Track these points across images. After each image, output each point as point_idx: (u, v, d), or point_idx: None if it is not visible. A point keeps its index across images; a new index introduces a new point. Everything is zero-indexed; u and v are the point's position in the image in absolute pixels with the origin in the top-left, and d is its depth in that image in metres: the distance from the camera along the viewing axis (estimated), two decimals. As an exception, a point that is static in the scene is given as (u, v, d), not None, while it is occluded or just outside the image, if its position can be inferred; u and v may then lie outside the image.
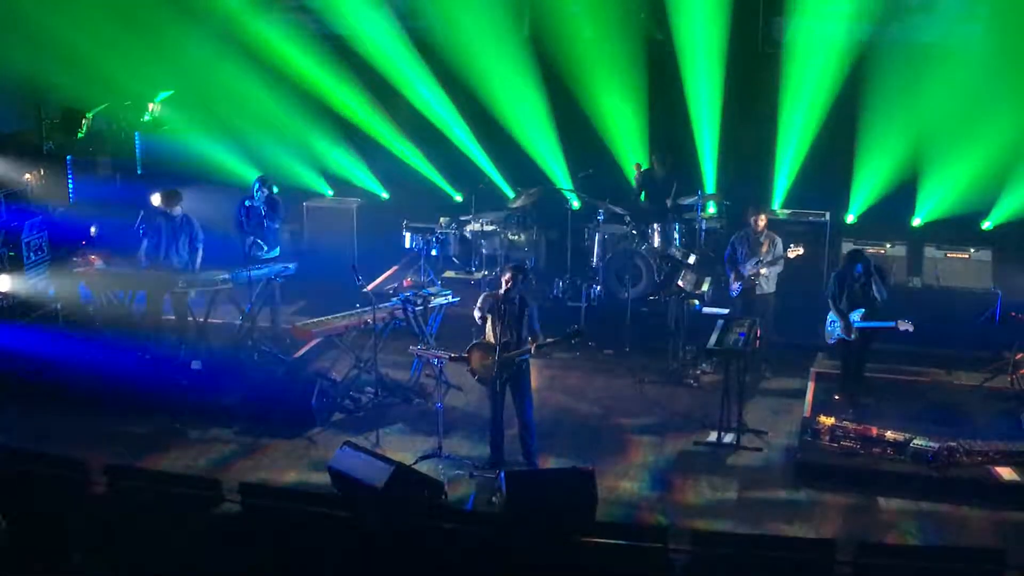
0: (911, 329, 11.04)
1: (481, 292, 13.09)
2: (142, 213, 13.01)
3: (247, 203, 13.38)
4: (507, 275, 10.13)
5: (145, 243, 12.80)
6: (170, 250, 12.83)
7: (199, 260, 12.94)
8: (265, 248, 13.39)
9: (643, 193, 14.31)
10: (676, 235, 13.94)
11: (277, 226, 13.68)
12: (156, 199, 13.06)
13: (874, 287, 11.30)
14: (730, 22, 14.21)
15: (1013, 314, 12.22)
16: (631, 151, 15.00)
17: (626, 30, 14.65)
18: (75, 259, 13.17)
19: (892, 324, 11.12)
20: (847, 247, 13.81)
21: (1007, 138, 13.28)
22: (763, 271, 12.38)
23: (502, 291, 10.10)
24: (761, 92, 14.52)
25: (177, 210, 12.86)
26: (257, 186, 13.41)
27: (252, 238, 13.28)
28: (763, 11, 14.61)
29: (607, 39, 14.68)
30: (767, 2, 14.58)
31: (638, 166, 14.47)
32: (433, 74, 15.27)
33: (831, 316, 11.57)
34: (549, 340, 10.25)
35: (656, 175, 14.24)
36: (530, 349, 10.05)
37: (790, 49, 14.25)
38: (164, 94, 14.82)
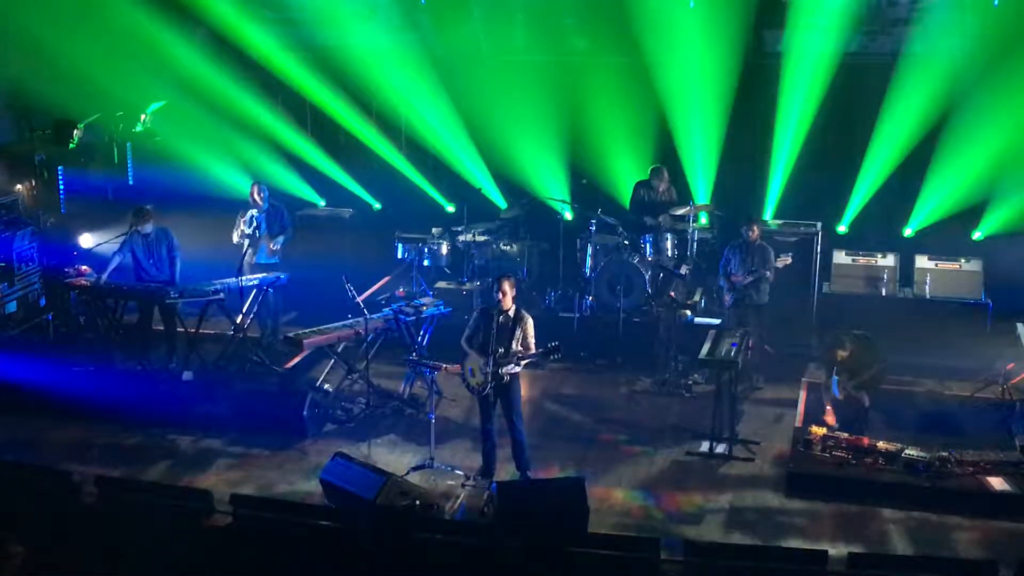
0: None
1: (474, 303, 13.17)
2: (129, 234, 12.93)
3: (251, 212, 13.23)
4: (503, 287, 10.06)
5: (115, 260, 12.73)
6: (149, 264, 12.78)
7: (177, 270, 12.89)
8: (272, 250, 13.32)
9: (638, 205, 14.32)
10: (668, 246, 13.97)
11: (291, 236, 13.65)
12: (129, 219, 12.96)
13: None
14: (721, 34, 14.26)
15: None
16: (624, 162, 15.02)
17: (619, 41, 14.67)
18: (67, 270, 13.15)
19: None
20: (838, 257, 13.90)
21: (997, 148, 13.34)
22: (769, 275, 12.39)
23: (501, 303, 10.05)
24: (753, 103, 14.58)
25: (148, 227, 12.79)
26: (260, 194, 13.28)
27: (251, 248, 13.19)
28: (754, 23, 14.67)
29: (600, 50, 14.71)
30: (759, 14, 14.65)
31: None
32: (425, 84, 15.28)
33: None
34: (530, 354, 10.17)
35: (654, 187, 14.26)
36: (516, 359, 10.02)
37: (782, 60, 14.31)
38: (156, 104, 14.83)
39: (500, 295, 10.03)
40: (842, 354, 10.91)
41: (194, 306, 12.79)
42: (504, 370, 10.00)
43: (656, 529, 9.48)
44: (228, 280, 12.64)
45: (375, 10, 15.31)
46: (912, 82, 13.55)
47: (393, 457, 10.78)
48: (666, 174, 14.27)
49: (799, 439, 10.63)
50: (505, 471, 10.33)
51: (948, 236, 13.95)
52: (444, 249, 14.47)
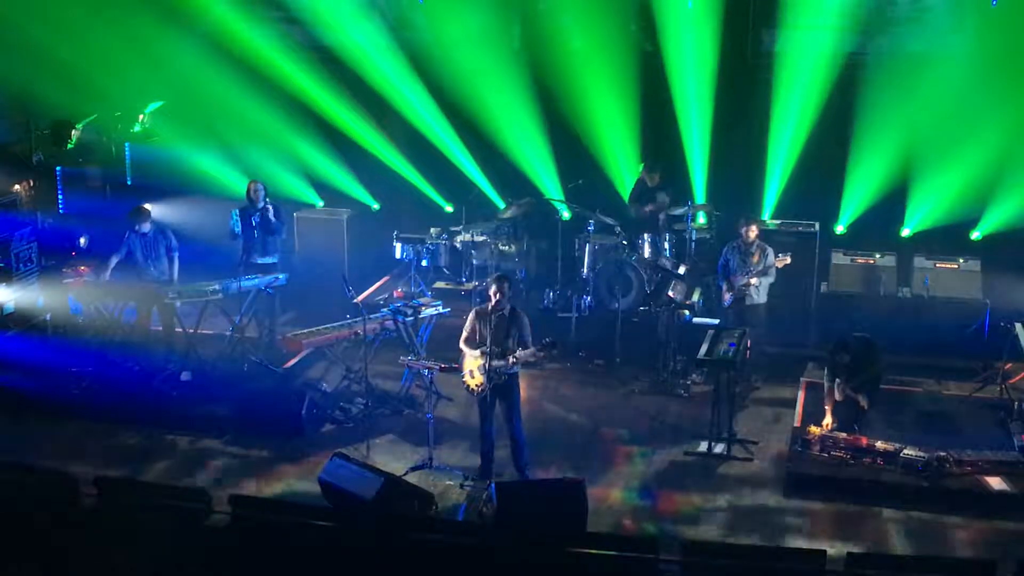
0: None
1: (472, 303, 13.16)
2: (127, 233, 12.92)
3: (249, 212, 13.18)
4: (493, 287, 10.09)
5: (114, 259, 12.72)
6: (148, 263, 12.79)
7: (176, 269, 12.91)
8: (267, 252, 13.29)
9: (635, 200, 14.32)
10: (666, 245, 13.97)
11: (284, 236, 13.63)
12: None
13: None
14: (719, 33, 14.27)
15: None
16: (622, 162, 15.03)
17: (616, 41, 14.68)
18: (65, 270, 13.14)
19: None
20: (837, 257, 13.90)
21: (996, 148, 13.33)
22: (753, 281, 12.39)
23: (492, 303, 10.07)
24: (751, 103, 14.59)
25: (146, 226, 12.79)
26: (257, 192, 13.23)
27: (248, 247, 13.17)
28: (752, 22, 14.68)
29: (597, 50, 14.71)
30: (756, 13, 14.66)
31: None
32: (423, 85, 15.29)
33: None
34: (527, 352, 10.16)
35: (647, 186, 14.25)
36: (513, 360, 10.02)
37: (780, 60, 14.32)
38: (154, 105, 14.83)
39: (497, 295, 10.04)
40: (845, 358, 10.92)
41: (193, 306, 12.79)
42: (502, 369, 10.00)
43: (654, 529, 9.50)
44: (227, 280, 12.64)
45: (373, 9, 15.31)
46: (910, 82, 13.54)
47: (392, 457, 10.78)
48: (658, 169, 14.20)
49: (797, 439, 10.64)
50: (504, 471, 10.34)
51: (947, 236, 13.95)
52: (443, 249, 14.47)
